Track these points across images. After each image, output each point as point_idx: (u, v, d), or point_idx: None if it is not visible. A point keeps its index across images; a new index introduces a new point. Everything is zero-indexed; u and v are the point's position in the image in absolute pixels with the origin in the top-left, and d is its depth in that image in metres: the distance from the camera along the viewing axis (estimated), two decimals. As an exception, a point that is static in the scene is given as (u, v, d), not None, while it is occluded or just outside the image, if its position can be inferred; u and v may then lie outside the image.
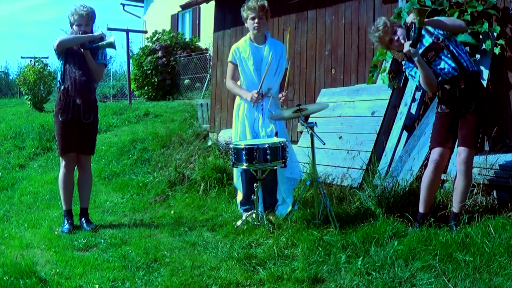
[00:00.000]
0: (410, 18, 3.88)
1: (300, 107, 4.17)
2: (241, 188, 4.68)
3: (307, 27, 6.78)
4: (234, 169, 4.65)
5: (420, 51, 3.90)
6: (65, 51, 4.57)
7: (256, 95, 4.44)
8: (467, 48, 4.55)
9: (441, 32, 3.92)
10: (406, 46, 3.84)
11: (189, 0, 12.21)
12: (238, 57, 4.59)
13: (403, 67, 4.38)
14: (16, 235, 4.49)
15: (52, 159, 8.39)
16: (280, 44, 4.68)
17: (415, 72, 4.03)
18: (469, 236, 3.55)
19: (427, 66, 3.90)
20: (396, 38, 4.00)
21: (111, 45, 4.61)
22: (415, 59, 3.86)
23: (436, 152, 3.98)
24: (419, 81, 4.02)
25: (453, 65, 3.86)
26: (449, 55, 3.87)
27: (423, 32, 3.89)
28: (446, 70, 3.89)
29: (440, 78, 3.93)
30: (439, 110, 4.04)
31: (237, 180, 4.72)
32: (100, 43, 4.58)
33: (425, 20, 3.74)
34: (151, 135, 8.30)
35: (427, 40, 3.95)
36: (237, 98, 4.73)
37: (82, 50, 4.57)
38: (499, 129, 4.60)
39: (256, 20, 4.50)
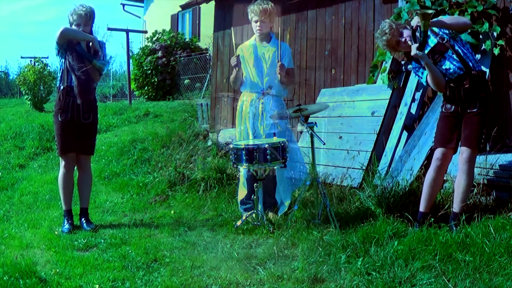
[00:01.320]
0: (415, 21, 3.88)
1: (300, 107, 4.18)
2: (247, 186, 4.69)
3: (307, 27, 6.78)
4: (241, 168, 4.67)
5: (426, 51, 3.90)
6: (65, 46, 4.55)
7: (235, 58, 4.57)
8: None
9: (446, 32, 3.92)
10: (413, 50, 3.83)
11: (189, 0, 12.23)
12: (241, 55, 4.69)
13: (408, 67, 4.36)
14: (16, 235, 4.49)
15: (52, 159, 8.38)
16: (283, 45, 4.75)
17: (422, 73, 4.04)
18: (469, 236, 3.55)
19: (435, 66, 3.90)
20: (403, 40, 4.00)
21: (101, 68, 4.62)
22: (423, 62, 3.87)
23: (439, 152, 3.99)
24: (426, 80, 4.02)
25: (458, 65, 3.86)
26: (454, 55, 3.87)
27: (428, 33, 3.89)
28: (451, 70, 3.89)
29: (446, 78, 3.93)
30: (443, 110, 4.04)
31: (244, 179, 4.73)
32: (93, 59, 4.56)
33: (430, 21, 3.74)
34: (151, 135, 8.29)
35: (432, 41, 3.95)
36: (240, 98, 4.76)
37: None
38: (499, 129, 4.60)
39: (258, 23, 4.61)
